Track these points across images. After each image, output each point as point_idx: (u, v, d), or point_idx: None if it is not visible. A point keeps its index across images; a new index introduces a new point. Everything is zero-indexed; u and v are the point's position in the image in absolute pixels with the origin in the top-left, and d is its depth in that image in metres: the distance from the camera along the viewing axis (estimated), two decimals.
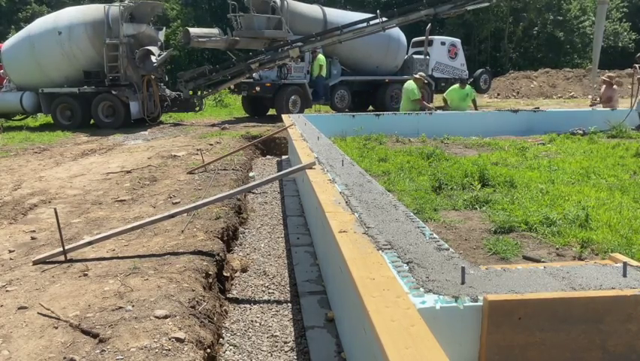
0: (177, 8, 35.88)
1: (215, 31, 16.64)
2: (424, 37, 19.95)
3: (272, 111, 16.88)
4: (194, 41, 15.92)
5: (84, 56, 14.30)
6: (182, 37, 16.39)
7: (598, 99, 13.05)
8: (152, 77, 14.73)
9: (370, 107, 18.53)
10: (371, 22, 15.56)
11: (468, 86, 12.87)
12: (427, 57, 19.40)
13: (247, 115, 17.65)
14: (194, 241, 4.22)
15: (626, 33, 39.92)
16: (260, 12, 16.22)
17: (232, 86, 17.13)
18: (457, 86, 12.82)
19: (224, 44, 16.40)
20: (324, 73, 16.51)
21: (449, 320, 1.97)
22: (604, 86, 12.71)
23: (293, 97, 15.81)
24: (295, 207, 6.47)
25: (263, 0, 16.21)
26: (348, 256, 2.33)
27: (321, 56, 16.27)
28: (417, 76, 12.33)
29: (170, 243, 4.19)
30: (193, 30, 16.33)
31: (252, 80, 16.32)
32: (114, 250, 4.08)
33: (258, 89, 15.93)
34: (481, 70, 23.82)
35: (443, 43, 21.43)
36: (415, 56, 19.15)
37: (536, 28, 39.25)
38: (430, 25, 19.43)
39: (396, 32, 17.91)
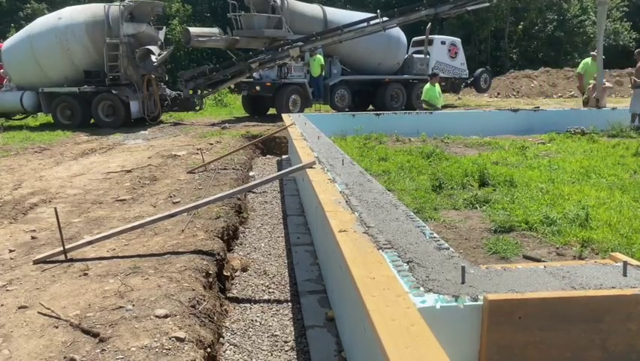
0: (176, 6, 35.79)
1: (215, 30, 16.63)
2: (424, 37, 19.94)
3: (272, 111, 16.88)
4: (194, 41, 15.92)
5: (84, 56, 14.29)
6: (182, 36, 16.40)
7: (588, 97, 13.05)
8: (153, 76, 14.74)
9: (371, 107, 18.50)
10: (371, 22, 15.57)
11: (437, 84, 12.67)
12: (427, 56, 19.38)
13: (247, 114, 17.65)
14: (195, 241, 4.22)
15: (626, 32, 39.89)
16: (260, 11, 16.22)
17: (232, 86, 17.10)
18: (429, 85, 12.59)
19: (225, 44, 16.40)
20: (322, 73, 16.51)
21: (449, 319, 1.97)
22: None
23: (293, 96, 15.82)
24: (295, 207, 6.47)
25: None
26: (348, 255, 2.33)
27: (319, 56, 16.28)
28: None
29: (171, 242, 4.19)
30: (193, 29, 16.32)
31: (252, 79, 16.32)
32: (114, 249, 4.08)
33: (258, 88, 15.94)
34: (481, 69, 23.78)
35: (443, 43, 21.41)
36: (415, 56, 19.13)
37: (537, 28, 39.21)
38: (430, 24, 19.41)
39: (396, 32, 17.88)
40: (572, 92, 25.76)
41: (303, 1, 17.83)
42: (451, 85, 21.66)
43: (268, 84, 15.83)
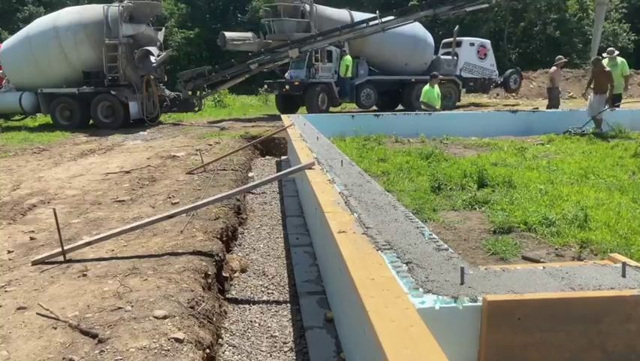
0: (170, 7, 35.61)
1: (248, 34, 17.68)
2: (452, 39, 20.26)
3: (302, 110, 17.39)
4: (229, 44, 16.83)
5: (83, 57, 14.29)
6: (219, 40, 17.37)
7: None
8: (152, 77, 14.74)
9: (400, 106, 18.92)
10: (370, 23, 15.79)
11: (436, 85, 12.64)
12: (455, 58, 19.69)
13: (246, 115, 17.75)
14: (194, 242, 4.22)
15: (625, 34, 39.92)
16: (290, 16, 17.05)
17: (265, 86, 18.32)
18: (428, 86, 12.52)
19: (257, 47, 17.12)
20: (349, 73, 17.23)
21: (448, 320, 1.97)
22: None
23: (321, 95, 16.58)
24: (294, 208, 6.47)
25: (293, 5, 17.05)
26: (348, 256, 2.33)
27: (347, 57, 17.02)
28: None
29: (170, 243, 4.18)
30: (228, 34, 17.31)
31: (283, 79, 17.39)
32: (113, 250, 4.08)
33: (287, 87, 16.82)
34: (511, 70, 23.88)
35: (472, 44, 21.63)
36: (442, 57, 19.70)
37: (536, 29, 39.28)
38: (457, 26, 20.04)
39: (423, 32, 18.49)
40: (571, 93, 25.78)
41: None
42: (481, 85, 21.87)
43: (297, 83, 16.65)
